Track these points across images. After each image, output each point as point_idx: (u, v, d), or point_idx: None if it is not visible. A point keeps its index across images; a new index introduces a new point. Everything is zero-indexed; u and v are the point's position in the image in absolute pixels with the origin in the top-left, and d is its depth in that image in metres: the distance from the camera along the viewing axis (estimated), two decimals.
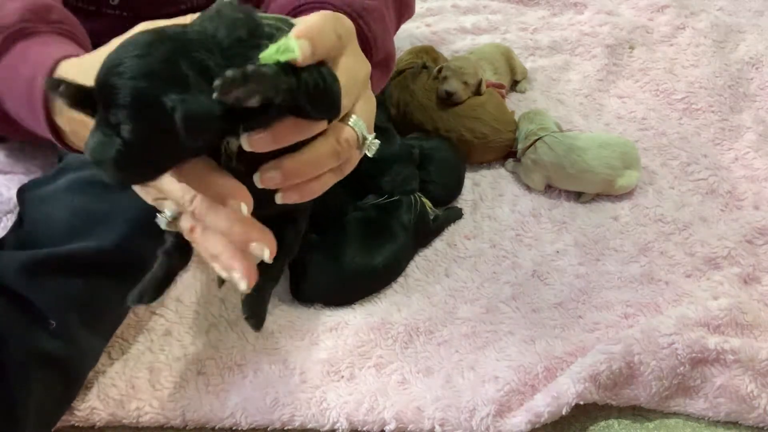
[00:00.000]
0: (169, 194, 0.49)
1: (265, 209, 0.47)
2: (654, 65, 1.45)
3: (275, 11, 0.71)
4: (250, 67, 0.39)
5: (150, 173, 0.44)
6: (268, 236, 0.47)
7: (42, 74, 0.55)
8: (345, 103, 0.47)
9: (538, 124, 1.20)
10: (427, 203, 1.10)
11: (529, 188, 1.20)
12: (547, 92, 1.39)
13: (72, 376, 0.81)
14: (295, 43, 0.42)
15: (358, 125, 0.49)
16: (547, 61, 1.46)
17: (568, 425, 0.90)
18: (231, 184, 0.45)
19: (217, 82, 0.38)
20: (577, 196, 1.19)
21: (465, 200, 1.17)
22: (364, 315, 0.98)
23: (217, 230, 0.48)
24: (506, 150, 1.23)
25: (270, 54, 0.41)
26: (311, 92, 0.43)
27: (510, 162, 1.24)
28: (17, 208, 0.88)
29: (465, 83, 1.20)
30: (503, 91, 1.31)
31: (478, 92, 1.23)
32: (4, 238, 0.83)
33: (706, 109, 1.36)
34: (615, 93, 1.40)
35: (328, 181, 0.49)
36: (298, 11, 0.69)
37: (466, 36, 1.50)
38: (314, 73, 0.43)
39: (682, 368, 0.91)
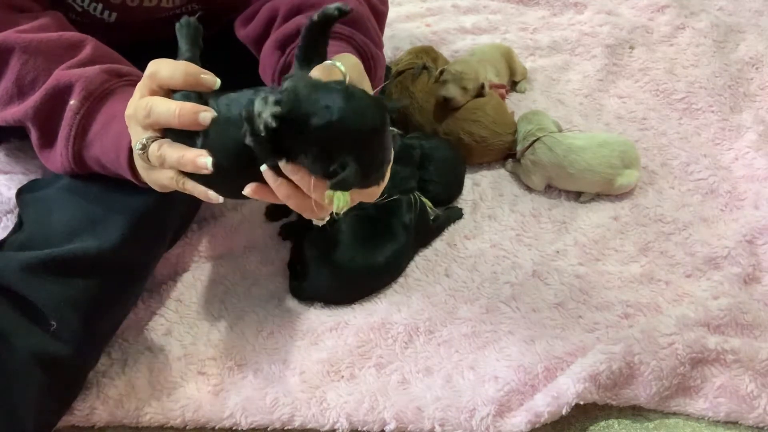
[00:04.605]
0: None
1: None
2: (654, 65, 1.45)
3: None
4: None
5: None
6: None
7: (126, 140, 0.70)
8: None
9: (537, 124, 1.19)
10: (427, 203, 1.10)
11: (529, 188, 1.20)
12: (547, 92, 1.39)
13: (72, 377, 0.81)
14: None
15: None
16: (547, 61, 1.46)
17: (568, 425, 0.90)
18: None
19: None
20: (577, 196, 1.19)
21: (465, 200, 1.17)
22: (364, 315, 0.98)
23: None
24: (506, 151, 1.23)
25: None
26: None
27: (509, 162, 1.23)
28: (17, 209, 0.88)
29: (464, 88, 1.19)
30: (503, 91, 1.31)
31: (480, 94, 1.22)
32: (4, 238, 0.83)
33: (706, 109, 1.36)
34: (615, 93, 1.40)
35: None
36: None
37: (466, 36, 1.50)
38: None
39: (682, 368, 0.91)
